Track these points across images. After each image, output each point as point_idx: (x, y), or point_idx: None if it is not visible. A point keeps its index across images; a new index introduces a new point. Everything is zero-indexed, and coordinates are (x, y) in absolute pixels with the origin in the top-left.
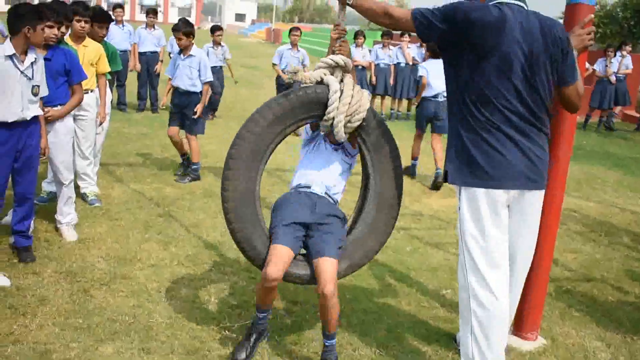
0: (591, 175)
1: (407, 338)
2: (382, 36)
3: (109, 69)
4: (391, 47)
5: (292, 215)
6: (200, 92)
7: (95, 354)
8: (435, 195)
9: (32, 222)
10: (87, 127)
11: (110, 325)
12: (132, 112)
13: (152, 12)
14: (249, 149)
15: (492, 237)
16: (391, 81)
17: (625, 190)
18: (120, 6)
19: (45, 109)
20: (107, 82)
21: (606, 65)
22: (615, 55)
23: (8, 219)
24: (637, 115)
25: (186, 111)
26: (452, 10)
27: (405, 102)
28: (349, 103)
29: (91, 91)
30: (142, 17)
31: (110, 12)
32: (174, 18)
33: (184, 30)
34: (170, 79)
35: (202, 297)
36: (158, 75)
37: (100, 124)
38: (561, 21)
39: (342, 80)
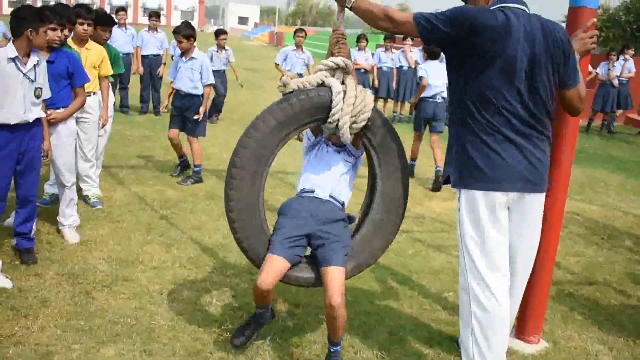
0: (594, 178)
1: (409, 341)
2: (384, 39)
3: (111, 72)
4: (394, 50)
5: (293, 225)
6: (202, 94)
7: (97, 355)
8: (437, 198)
9: (34, 224)
10: (90, 130)
11: (112, 327)
12: (135, 115)
13: (154, 15)
14: (252, 156)
15: (491, 239)
16: (394, 84)
17: (628, 193)
18: (123, 9)
19: (48, 112)
20: (110, 84)
21: (609, 69)
22: (618, 59)
23: (10, 221)
24: None
25: (187, 114)
26: (458, 15)
27: (407, 105)
28: (353, 103)
29: (94, 94)
30: (144, 20)
31: (113, 15)
32: (176, 21)
33: (184, 32)
34: (172, 82)
35: (204, 300)
36: (161, 78)
37: (103, 126)
38: (564, 25)
39: (343, 82)
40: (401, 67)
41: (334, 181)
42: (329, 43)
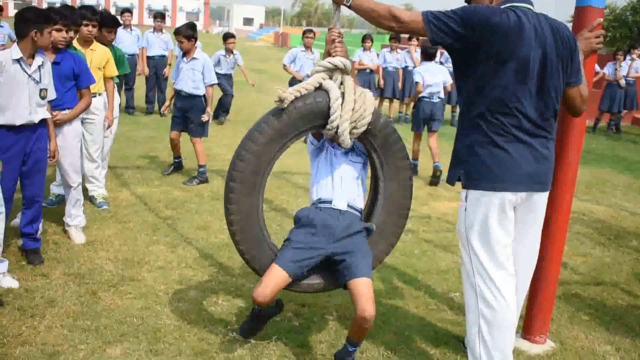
0: (601, 178)
1: (415, 341)
2: (390, 40)
3: (116, 73)
4: (399, 50)
5: (308, 245)
6: (204, 95)
7: (103, 355)
8: (443, 198)
9: (40, 224)
10: (95, 131)
11: (118, 327)
12: (141, 116)
13: (160, 16)
14: (249, 169)
15: (498, 239)
16: (399, 85)
17: (635, 193)
18: (129, 10)
19: (54, 113)
20: (115, 85)
21: (616, 69)
22: (624, 59)
23: (17, 221)
24: None
25: (189, 114)
26: (470, 14)
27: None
28: (352, 109)
29: (99, 95)
30: (150, 21)
31: (119, 17)
32: (182, 22)
33: (185, 33)
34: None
35: (209, 300)
36: (166, 79)
37: (108, 127)
38: (570, 25)
39: (342, 83)
40: (406, 67)
41: (349, 188)
42: (326, 42)
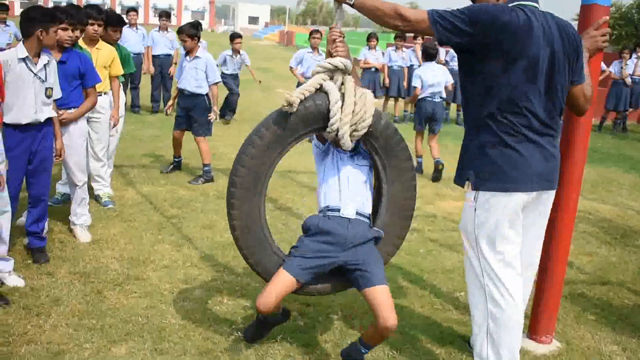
0: (607, 177)
1: (420, 340)
2: (395, 38)
3: (122, 72)
4: (404, 49)
5: (317, 255)
6: (206, 94)
7: (109, 354)
8: (448, 197)
9: (46, 223)
10: (101, 130)
11: (124, 326)
12: (146, 115)
13: (165, 15)
14: (250, 174)
15: (509, 239)
16: (404, 83)
17: None
18: (134, 9)
19: (60, 112)
20: (121, 84)
21: (622, 67)
22: (630, 57)
23: (22, 220)
24: None
25: (192, 113)
26: (479, 13)
27: None
28: (352, 112)
29: (105, 94)
30: (155, 20)
31: (124, 16)
32: (187, 21)
33: (188, 32)
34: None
35: (215, 299)
36: (171, 77)
37: (114, 126)
38: (575, 23)
39: (343, 83)
40: (412, 65)
41: (357, 193)
42: (327, 42)
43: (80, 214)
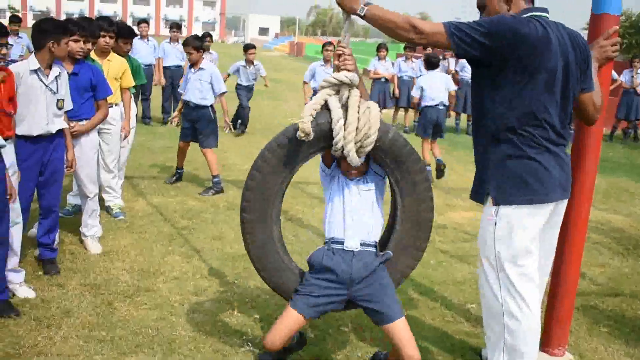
0: (618, 187)
1: (431, 352)
2: (404, 49)
3: (133, 83)
4: (414, 59)
5: (323, 292)
6: (211, 105)
7: None
8: (459, 208)
9: (57, 234)
10: (112, 141)
11: (134, 338)
12: (157, 126)
13: (176, 26)
14: (259, 199)
15: (529, 253)
16: None
17: None
18: (145, 21)
19: (71, 124)
20: (132, 96)
21: (632, 76)
22: None
23: (33, 231)
24: None
25: (197, 125)
26: (497, 26)
27: None
28: (355, 129)
29: (116, 105)
30: (166, 31)
31: (135, 27)
32: (198, 32)
33: (194, 44)
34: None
35: (225, 310)
36: None
37: (125, 137)
38: (585, 32)
39: (348, 97)
40: (421, 76)
41: (362, 224)
42: (333, 56)
43: (91, 225)
